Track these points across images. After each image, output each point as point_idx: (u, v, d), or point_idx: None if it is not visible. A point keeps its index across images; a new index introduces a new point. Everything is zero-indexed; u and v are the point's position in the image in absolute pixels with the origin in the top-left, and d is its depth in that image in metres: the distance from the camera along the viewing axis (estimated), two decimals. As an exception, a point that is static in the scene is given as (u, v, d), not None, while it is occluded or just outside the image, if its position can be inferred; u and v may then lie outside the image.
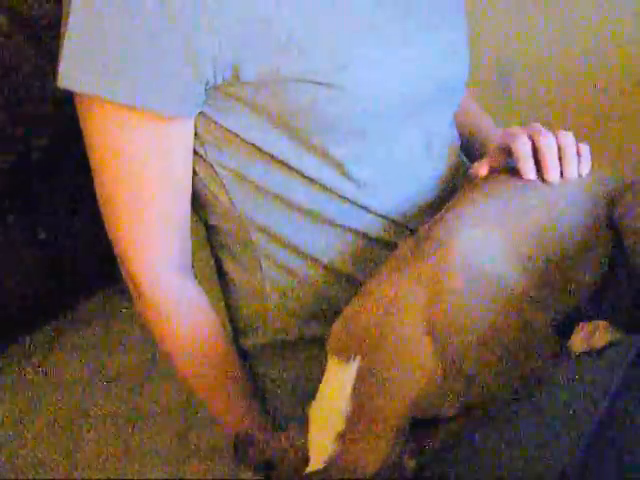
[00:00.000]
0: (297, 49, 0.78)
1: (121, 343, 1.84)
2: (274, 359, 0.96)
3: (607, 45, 1.61)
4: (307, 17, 0.79)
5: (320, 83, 0.79)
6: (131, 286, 0.87)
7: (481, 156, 0.94)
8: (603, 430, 0.70)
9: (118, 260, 0.87)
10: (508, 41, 1.67)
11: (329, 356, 0.74)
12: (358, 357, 0.71)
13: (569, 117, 1.65)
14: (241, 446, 0.75)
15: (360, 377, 0.71)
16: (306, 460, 0.72)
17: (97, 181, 0.84)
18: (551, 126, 0.90)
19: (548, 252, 0.80)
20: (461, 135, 1.03)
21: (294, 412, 0.91)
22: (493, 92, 1.66)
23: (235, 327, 0.99)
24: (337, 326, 0.76)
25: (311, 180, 0.86)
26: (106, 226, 0.85)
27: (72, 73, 0.76)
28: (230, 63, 0.77)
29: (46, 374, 1.81)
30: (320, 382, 0.74)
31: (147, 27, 0.73)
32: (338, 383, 0.72)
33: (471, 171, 0.89)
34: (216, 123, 0.83)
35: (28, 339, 1.89)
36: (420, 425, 0.71)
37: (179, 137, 0.82)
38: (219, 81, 0.79)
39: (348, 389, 0.71)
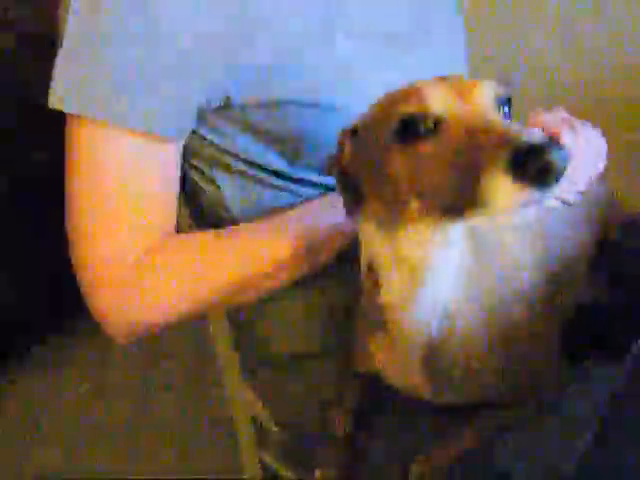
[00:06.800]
0: (284, 74, 0.79)
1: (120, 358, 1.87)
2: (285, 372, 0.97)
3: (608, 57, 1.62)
4: (292, 46, 0.79)
5: (308, 104, 0.80)
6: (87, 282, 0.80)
7: None
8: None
9: (74, 260, 0.80)
10: (507, 54, 1.68)
11: None
12: None
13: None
14: None
15: None
16: None
17: (69, 189, 0.79)
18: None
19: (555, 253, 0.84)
20: None
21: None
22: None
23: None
24: None
25: (311, 195, 0.86)
26: (67, 226, 0.80)
27: (66, 95, 0.75)
28: (222, 89, 0.78)
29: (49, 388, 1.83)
30: None
31: (161, 57, 0.74)
32: None
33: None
34: (213, 143, 0.84)
35: (33, 350, 1.92)
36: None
37: (161, 158, 0.79)
38: (213, 104, 0.80)
39: None
